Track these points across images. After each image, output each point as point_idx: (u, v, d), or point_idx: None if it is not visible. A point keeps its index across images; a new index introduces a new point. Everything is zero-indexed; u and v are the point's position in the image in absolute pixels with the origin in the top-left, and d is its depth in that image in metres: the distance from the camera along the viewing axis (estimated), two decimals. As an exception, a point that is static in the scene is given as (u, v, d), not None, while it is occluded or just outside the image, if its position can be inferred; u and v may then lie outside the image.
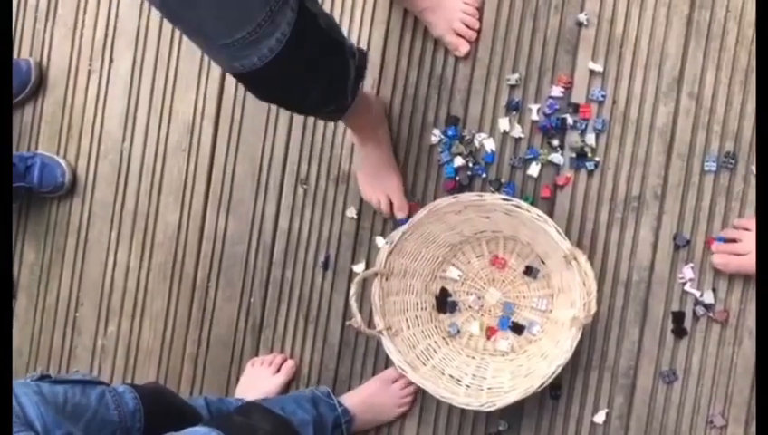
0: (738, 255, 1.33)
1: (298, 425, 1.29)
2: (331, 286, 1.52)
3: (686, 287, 1.37)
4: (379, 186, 1.46)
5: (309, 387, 1.51)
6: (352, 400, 1.44)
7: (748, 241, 1.32)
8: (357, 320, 1.31)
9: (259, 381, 1.51)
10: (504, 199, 1.30)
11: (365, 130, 1.42)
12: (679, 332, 1.37)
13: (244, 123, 1.57)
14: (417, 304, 1.45)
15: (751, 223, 1.34)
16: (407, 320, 1.43)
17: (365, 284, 1.42)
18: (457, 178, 1.45)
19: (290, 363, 1.52)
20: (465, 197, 1.33)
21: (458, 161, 1.45)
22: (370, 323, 1.40)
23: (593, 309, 1.26)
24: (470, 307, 1.45)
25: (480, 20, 1.44)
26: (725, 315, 1.36)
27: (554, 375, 1.28)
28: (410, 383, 1.42)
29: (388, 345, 1.36)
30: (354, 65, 1.18)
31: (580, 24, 1.42)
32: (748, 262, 1.31)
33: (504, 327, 1.43)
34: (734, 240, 1.34)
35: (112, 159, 1.65)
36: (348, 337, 1.50)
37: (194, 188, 1.60)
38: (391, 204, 1.46)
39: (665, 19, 1.39)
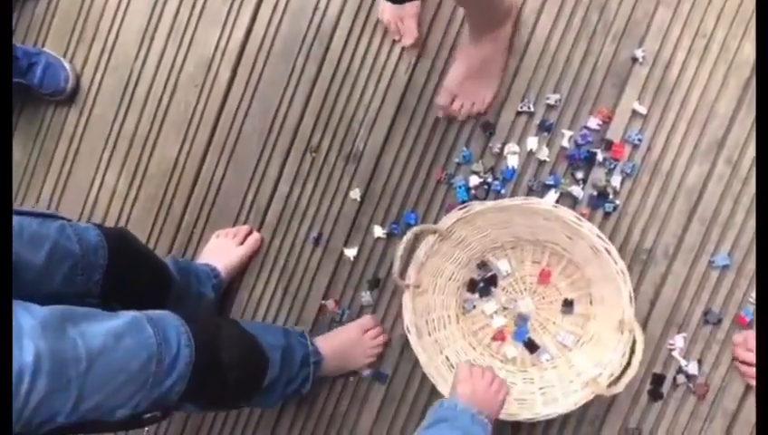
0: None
1: (266, 347, 1.21)
2: (317, 263, 1.46)
3: (674, 353, 1.34)
4: (470, 90, 1.36)
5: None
6: (325, 343, 1.38)
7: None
8: (396, 267, 1.22)
9: (222, 250, 1.45)
10: (599, 236, 1.22)
11: (487, 27, 1.30)
12: (655, 394, 1.35)
13: (264, 75, 1.49)
14: (453, 274, 1.38)
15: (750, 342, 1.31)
16: (436, 284, 1.36)
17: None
18: (473, 192, 1.40)
19: (255, 236, 1.46)
20: (565, 211, 1.25)
21: (474, 181, 1.39)
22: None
23: (619, 389, 1.19)
24: (500, 303, 1.39)
25: (536, 26, 1.36)
26: (705, 389, 1.33)
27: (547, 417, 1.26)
28: (381, 333, 1.40)
29: (406, 302, 1.29)
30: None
31: (634, 60, 1.34)
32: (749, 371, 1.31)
33: (519, 338, 1.37)
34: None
35: (121, 75, 1.57)
36: (323, 319, 1.46)
37: (198, 129, 1.52)
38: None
39: (722, 77, 1.32)
